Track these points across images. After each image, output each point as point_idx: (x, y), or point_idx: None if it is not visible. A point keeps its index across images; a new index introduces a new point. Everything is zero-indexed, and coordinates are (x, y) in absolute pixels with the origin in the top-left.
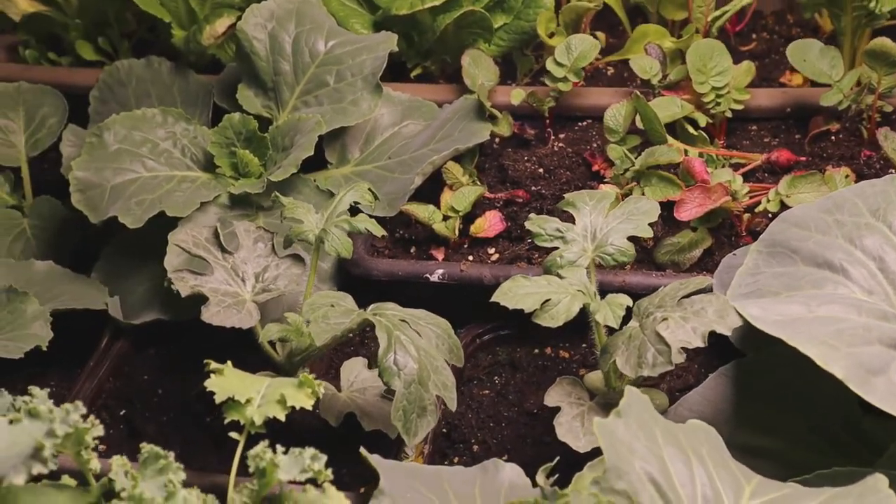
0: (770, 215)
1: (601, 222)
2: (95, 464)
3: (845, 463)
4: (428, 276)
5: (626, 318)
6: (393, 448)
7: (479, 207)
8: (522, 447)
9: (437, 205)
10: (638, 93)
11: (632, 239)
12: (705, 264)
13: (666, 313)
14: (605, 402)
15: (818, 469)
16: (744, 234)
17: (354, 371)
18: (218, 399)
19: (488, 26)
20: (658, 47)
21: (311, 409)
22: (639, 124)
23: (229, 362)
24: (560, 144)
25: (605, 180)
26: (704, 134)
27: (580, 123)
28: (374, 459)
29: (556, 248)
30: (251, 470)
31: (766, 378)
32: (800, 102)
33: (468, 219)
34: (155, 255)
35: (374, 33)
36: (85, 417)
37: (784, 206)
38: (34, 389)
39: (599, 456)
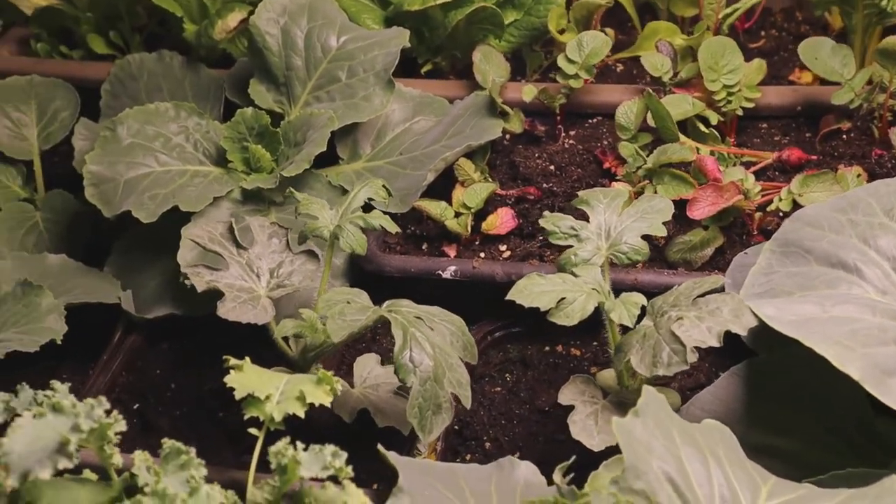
0: (781, 214)
1: (615, 220)
2: (118, 459)
3: (859, 464)
4: (440, 272)
5: (640, 317)
6: (406, 444)
7: (490, 204)
8: (534, 445)
9: (449, 201)
10: (650, 91)
11: (644, 237)
12: (717, 263)
13: (681, 312)
14: (619, 400)
15: (832, 470)
16: (755, 232)
17: (367, 367)
18: (238, 395)
19: (499, 22)
20: (669, 44)
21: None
22: (650, 122)
23: (248, 358)
24: (571, 141)
25: (617, 178)
26: (716, 132)
27: (590, 120)
28: (392, 457)
29: (571, 247)
30: (273, 466)
31: (780, 378)
32: (810, 101)
33: (480, 215)
34: (167, 249)
35: (386, 29)
36: (108, 413)
37: (796, 205)
38: (55, 384)
39: (613, 454)
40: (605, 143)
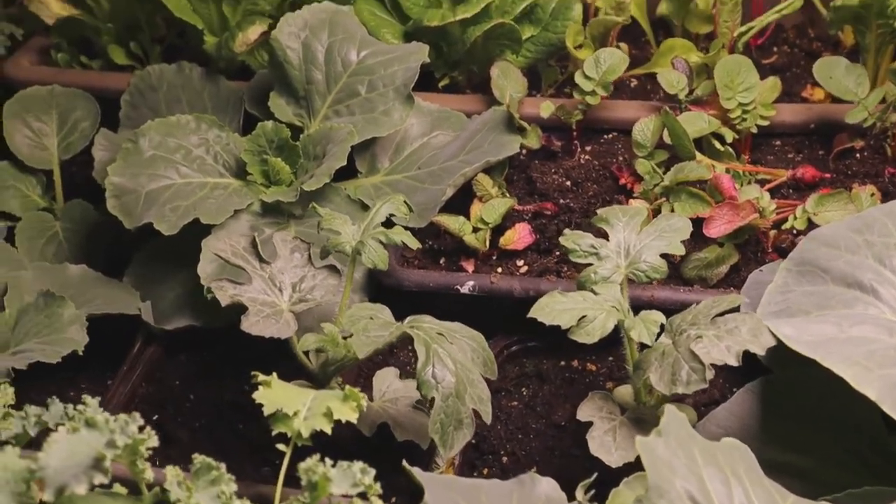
0: (796, 232)
1: (634, 239)
2: (149, 474)
3: (874, 483)
4: (458, 287)
5: (657, 334)
6: (424, 458)
7: (507, 219)
8: (550, 459)
9: (467, 216)
10: (667, 108)
11: (662, 255)
12: (732, 280)
13: (700, 331)
14: (636, 417)
15: (848, 488)
16: (770, 250)
17: (386, 381)
18: (267, 411)
19: (517, 38)
20: (685, 62)
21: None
22: (666, 139)
23: (275, 374)
24: (586, 157)
25: (635, 195)
26: (731, 149)
27: (606, 136)
28: (417, 473)
29: (590, 264)
30: (303, 483)
31: (795, 396)
32: (823, 118)
33: (497, 231)
34: (186, 261)
35: (405, 43)
36: (141, 429)
37: (811, 224)
38: (87, 398)
39: (630, 471)
40: (621, 158)
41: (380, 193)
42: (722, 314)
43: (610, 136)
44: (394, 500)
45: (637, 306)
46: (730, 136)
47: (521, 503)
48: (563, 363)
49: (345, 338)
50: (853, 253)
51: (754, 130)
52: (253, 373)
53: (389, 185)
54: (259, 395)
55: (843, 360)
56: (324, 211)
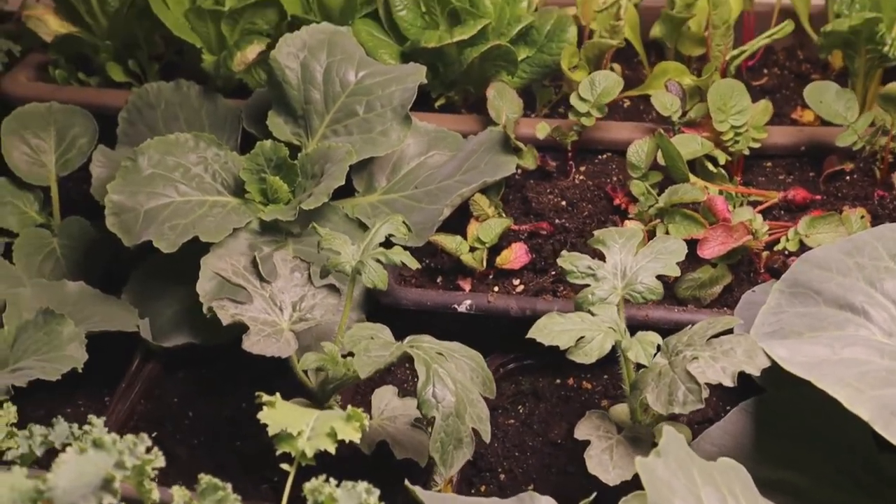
0: (787, 253)
1: (630, 260)
2: (156, 494)
3: (867, 501)
4: (456, 306)
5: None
6: (422, 476)
7: (504, 239)
8: (547, 477)
9: (464, 235)
10: (661, 131)
11: (657, 276)
12: (725, 300)
13: (696, 352)
14: (633, 435)
15: None
16: (762, 270)
17: (385, 399)
18: (271, 431)
19: (513, 59)
20: (678, 84)
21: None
22: (660, 160)
23: (278, 395)
24: (581, 177)
25: (630, 216)
26: (723, 171)
27: (600, 156)
28: (420, 492)
29: (586, 285)
30: (308, 502)
31: (788, 415)
32: (814, 141)
33: (494, 250)
34: (184, 278)
35: (402, 64)
36: (149, 450)
37: (803, 246)
38: (93, 418)
39: (628, 490)
40: (615, 179)
41: (377, 212)
42: (717, 335)
43: (604, 156)
44: None
45: (632, 326)
46: (722, 158)
47: None
48: (558, 381)
49: (344, 356)
50: (844, 275)
51: (746, 152)
52: (257, 393)
53: (387, 204)
54: (263, 416)
55: (837, 381)
56: (324, 231)
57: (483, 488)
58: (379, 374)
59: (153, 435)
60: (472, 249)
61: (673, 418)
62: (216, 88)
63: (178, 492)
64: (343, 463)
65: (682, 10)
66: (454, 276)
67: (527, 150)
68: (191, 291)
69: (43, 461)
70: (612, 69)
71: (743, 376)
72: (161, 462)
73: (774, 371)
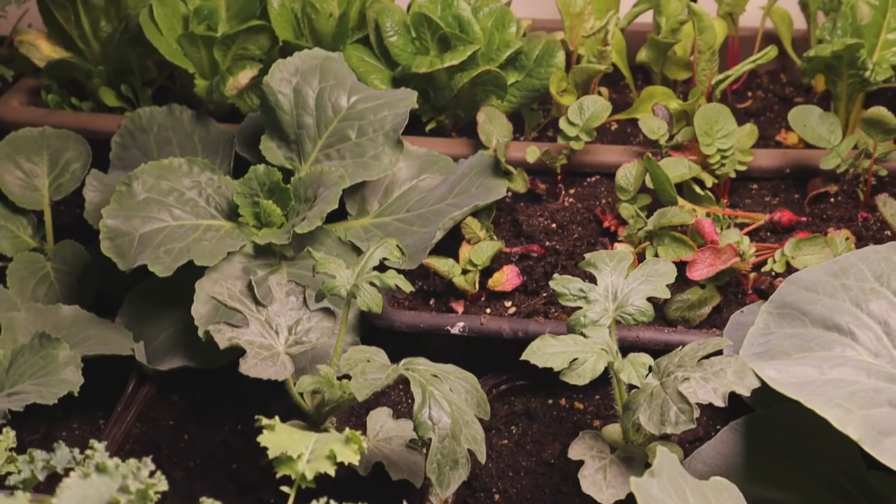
0: (774, 274)
1: (622, 283)
2: None
3: None
4: (449, 328)
5: None
6: (418, 497)
7: (495, 261)
8: (541, 497)
9: (456, 258)
10: (650, 154)
11: (648, 298)
12: (714, 321)
13: (687, 373)
14: (626, 455)
15: None
16: (750, 291)
17: (380, 421)
18: (271, 454)
19: (503, 84)
20: (665, 108)
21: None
22: (648, 184)
23: (277, 418)
24: (570, 200)
25: (619, 239)
26: (710, 193)
27: (589, 179)
28: None
29: (578, 307)
30: None
31: (778, 434)
32: (798, 163)
33: (485, 272)
34: (178, 301)
35: (393, 89)
36: (152, 474)
37: (790, 267)
38: (94, 443)
39: None
40: (604, 201)
41: (370, 235)
42: (707, 356)
43: (593, 178)
44: None
45: (623, 347)
46: (709, 180)
47: None
48: (551, 402)
49: (340, 379)
50: (831, 297)
51: (733, 175)
52: (256, 416)
53: (379, 227)
54: (263, 439)
55: (825, 401)
56: (318, 255)
57: None
58: (373, 396)
59: (149, 458)
60: (465, 272)
61: (664, 438)
62: (208, 113)
63: None
64: (340, 485)
65: (668, 36)
66: (446, 299)
67: (517, 173)
68: (185, 315)
69: (43, 486)
70: (599, 93)
71: (732, 396)
72: (164, 486)
73: (763, 391)
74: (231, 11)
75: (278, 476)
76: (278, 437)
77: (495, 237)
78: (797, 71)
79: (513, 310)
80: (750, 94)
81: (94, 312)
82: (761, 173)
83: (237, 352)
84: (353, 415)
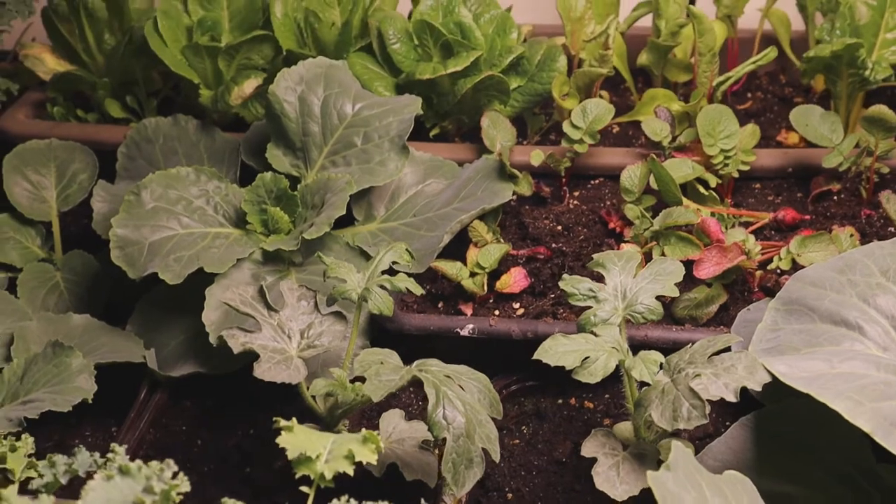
0: (780, 271)
1: (630, 282)
2: None
3: None
4: (458, 330)
5: None
6: (432, 497)
7: (503, 264)
8: (553, 495)
9: (464, 261)
10: (654, 156)
11: (656, 297)
12: (721, 318)
13: (698, 370)
14: (638, 452)
15: None
16: (756, 289)
17: (392, 423)
18: (290, 455)
19: (505, 89)
20: (667, 110)
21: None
22: (652, 184)
23: (294, 419)
24: (575, 202)
25: (625, 239)
26: (714, 193)
27: (592, 181)
28: None
29: (587, 307)
30: None
31: (787, 428)
32: (800, 162)
33: (493, 275)
34: (187, 308)
35: (397, 95)
36: (175, 475)
37: (795, 264)
38: (115, 446)
39: None
40: (608, 203)
41: (377, 240)
42: (717, 353)
43: (596, 181)
44: None
45: (632, 345)
46: (713, 181)
47: None
48: (560, 401)
49: (353, 381)
50: (838, 292)
51: (736, 175)
52: (274, 418)
53: (386, 232)
54: (282, 440)
55: (836, 394)
56: (329, 260)
57: None
58: (384, 399)
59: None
60: (473, 275)
61: (675, 435)
62: (213, 122)
63: None
64: (356, 486)
65: (668, 39)
66: (455, 302)
67: (522, 176)
68: (195, 321)
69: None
70: (600, 96)
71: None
72: (187, 487)
73: (771, 386)
74: (234, 22)
75: (297, 476)
76: (297, 438)
77: (502, 240)
78: (796, 72)
79: (521, 311)
80: (749, 95)
81: (104, 321)
82: (764, 173)
83: (248, 357)
84: (363, 418)
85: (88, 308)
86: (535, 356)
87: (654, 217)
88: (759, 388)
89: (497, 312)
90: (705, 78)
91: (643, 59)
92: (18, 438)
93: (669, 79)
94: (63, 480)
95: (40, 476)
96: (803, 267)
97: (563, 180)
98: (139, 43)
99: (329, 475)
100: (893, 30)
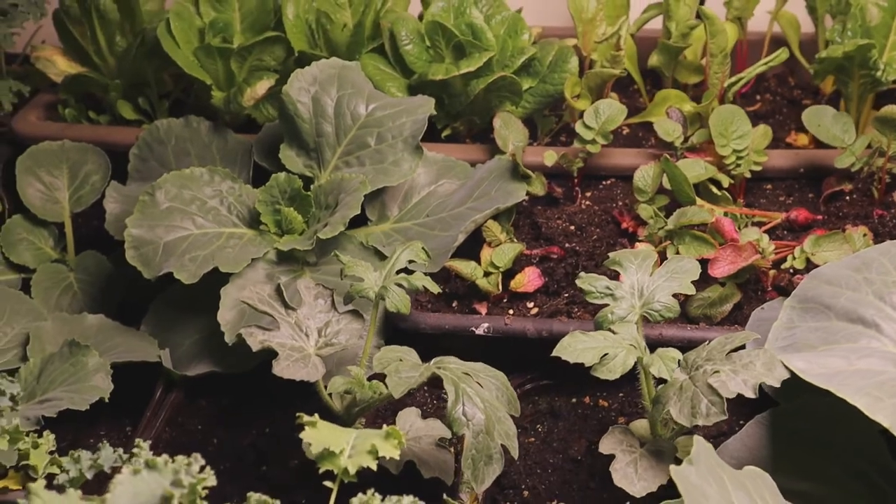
0: (793, 271)
1: (647, 280)
2: None
3: None
4: (474, 329)
5: None
6: (449, 494)
7: (516, 263)
8: (570, 492)
9: (478, 261)
10: (667, 156)
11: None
12: (735, 317)
13: (716, 366)
14: (655, 449)
15: None
16: (769, 288)
17: (409, 421)
18: (314, 450)
19: (517, 90)
20: (679, 111)
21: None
22: (665, 185)
23: (316, 415)
24: (587, 202)
25: (639, 239)
26: (727, 194)
27: (605, 182)
28: None
29: (604, 305)
30: None
31: (803, 425)
32: (812, 163)
33: (507, 274)
34: (202, 308)
35: (410, 96)
36: (202, 469)
37: (809, 263)
38: (140, 441)
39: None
40: (621, 203)
41: (391, 240)
42: (734, 350)
43: (608, 181)
44: None
45: (648, 343)
46: (726, 181)
47: None
48: (575, 400)
49: (370, 379)
50: (854, 290)
51: (748, 175)
52: (297, 414)
53: (400, 232)
54: (305, 435)
55: (856, 390)
56: (346, 258)
57: None
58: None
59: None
60: (487, 274)
61: (691, 432)
62: (225, 124)
63: None
64: (374, 483)
65: (679, 40)
66: (469, 301)
67: (535, 176)
68: (209, 321)
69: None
70: (610, 98)
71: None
72: (213, 481)
73: (786, 384)
74: (246, 23)
75: (321, 471)
76: (320, 434)
77: (515, 240)
78: (805, 74)
79: (535, 310)
80: (758, 97)
81: (118, 321)
82: (775, 173)
83: (263, 356)
84: (378, 416)
85: (102, 308)
86: (555, 353)
87: (666, 217)
88: (777, 385)
89: (511, 311)
90: (717, 79)
91: (653, 60)
92: (40, 436)
93: (679, 80)
94: (88, 476)
95: (64, 472)
96: (817, 266)
97: (576, 181)
98: (151, 44)
99: (353, 470)
100: None
